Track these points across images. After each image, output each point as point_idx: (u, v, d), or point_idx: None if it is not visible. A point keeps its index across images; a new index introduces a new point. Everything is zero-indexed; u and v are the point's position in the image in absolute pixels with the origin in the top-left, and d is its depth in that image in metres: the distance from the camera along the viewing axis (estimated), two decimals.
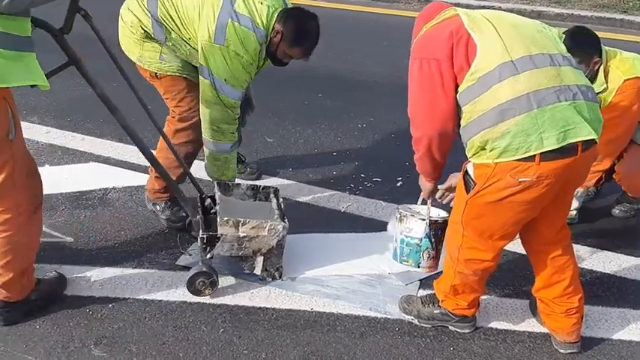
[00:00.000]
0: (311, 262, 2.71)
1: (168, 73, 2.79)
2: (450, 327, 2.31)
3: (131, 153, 3.65)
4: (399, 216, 2.34)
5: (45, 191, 3.18)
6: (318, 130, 4.09)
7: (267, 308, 2.44)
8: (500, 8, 7.23)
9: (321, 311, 2.43)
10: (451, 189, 2.38)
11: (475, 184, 1.96)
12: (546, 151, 1.83)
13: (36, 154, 3.63)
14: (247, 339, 2.28)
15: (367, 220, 3.07)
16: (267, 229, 2.43)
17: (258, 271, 2.56)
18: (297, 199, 3.23)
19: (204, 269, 2.42)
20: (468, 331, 2.31)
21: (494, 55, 1.89)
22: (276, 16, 2.59)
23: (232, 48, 2.52)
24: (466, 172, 2.02)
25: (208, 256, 2.45)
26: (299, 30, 2.60)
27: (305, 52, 2.68)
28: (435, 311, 2.31)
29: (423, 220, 2.28)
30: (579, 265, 2.75)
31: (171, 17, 2.64)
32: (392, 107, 4.43)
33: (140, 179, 3.28)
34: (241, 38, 2.53)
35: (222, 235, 2.42)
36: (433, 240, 2.29)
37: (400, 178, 3.47)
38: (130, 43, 2.81)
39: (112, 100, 2.36)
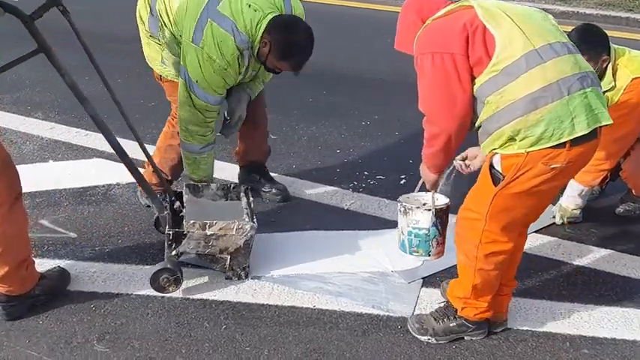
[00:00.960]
0: (314, 259, 2.71)
1: (169, 78, 2.80)
2: (466, 337, 2.26)
3: (134, 149, 3.65)
4: (403, 209, 2.33)
5: (48, 187, 3.22)
6: (322, 127, 4.09)
7: (269, 305, 2.44)
8: None
9: (323, 308, 2.43)
10: (466, 158, 2.41)
11: (503, 177, 1.96)
12: (576, 137, 1.87)
13: (40, 149, 3.65)
14: (250, 336, 2.28)
15: (370, 218, 3.06)
16: (234, 229, 2.42)
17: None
18: (300, 197, 3.23)
19: (168, 266, 2.40)
20: (481, 337, 2.26)
21: (517, 44, 1.90)
22: (265, 23, 2.45)
23: (206, 50, 2.44)
24: (492, 165, 2.01)
25: (173, 252, 2.43)
26: (286, 43, 2.46)
27: (293, 67, 2.55)
28: (451, 324, 2.25)
29: (428, 210, 2.27)
30: (583, 265, 2.75)
31: (165, 12, 2.61)
32: (397, 105, 4.42)
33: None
34: (217, 41, 2.43)
35: (188, 232, 2.40)
36: (440, 227, 2.30)
37: (404, 176, 3.46)
38: (142, 40, 2.81)
39: (82, 91, 2.40)
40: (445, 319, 2.26)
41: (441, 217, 2.29)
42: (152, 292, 2.47)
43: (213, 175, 2.91)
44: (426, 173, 2.29)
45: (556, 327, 2.37)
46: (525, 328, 2.36)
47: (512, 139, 1.92)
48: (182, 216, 2.52)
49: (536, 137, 1.88)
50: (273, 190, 3.15)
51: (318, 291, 2.52)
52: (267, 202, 3.15)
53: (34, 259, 2.45)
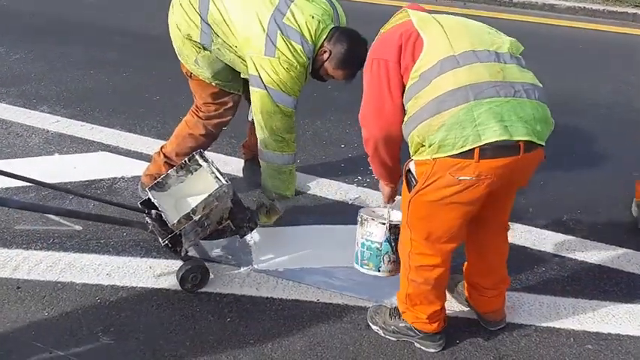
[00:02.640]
0: (318, 253, 2.71)
1: (201, 78, 2.79)
2: (416, 344, 2.23)
3: (140, 143, 3.67)
4: (360, 220, 2.31)
5: (54, 180, 3.23)
6: (326, 122, 4.08)
7: (273, 299, 2.45)
8: (511, 1, 7.17)
9: (327, 302, 2.44)
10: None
11: (416, 183, 1.92)
12: (486, 148, 1.76)
13: (45, 142, 3.65)
14: (254, 329, 2.29)
15: None
16: (215, 199, 2.39)
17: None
18: (305, 191, 3.23)
19: (188, 266, 2.43)
20: (433, 350, 2.20)
21: (439, 50, 1.86)
22: (326, 32, 2.53)
23: (283, 59, 2.48)
24: (409, 170, 1.97)
25: (183, 253, 2.43)
26: (348, 53, 2.52)
27: (349, 76, 2.62)
28: (400, 324, 2.23)
29: (383, 224, 2.24)
30: (587, 261, 2.75)
31: (221, 21, 2.59)
32: None
33: None
34: (292, 51, 2.48)
35: (180, 230, 2.37)
36: (394, 244, 2.24)
37: None
38: (175, 34, 2.76)
39: None
40: (397, 317, 2.25)
41: (396, 234, 2.22)
42: (157, 285, 2.49)
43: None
44: (381, 186, 2.30)
45: (560, 322, 2.37)
46: (529, 323, 2.36)
47: (421, 144, 1.87)
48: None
49: (438, 143, 1.79)
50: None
51: (322, 285, 2.53)
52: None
53: (40, 251, 2.47)
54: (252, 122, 3.15)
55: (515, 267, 2.63)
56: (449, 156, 1.80)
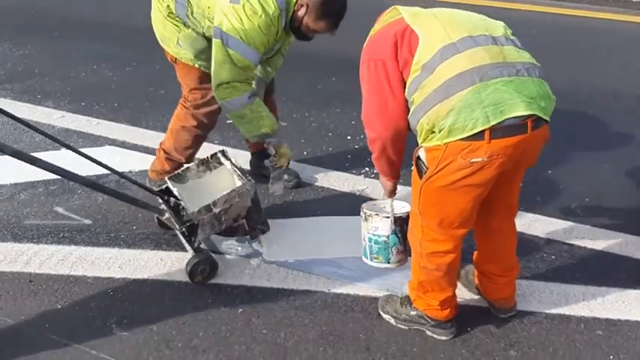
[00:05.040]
0: (327, 244, 2.72)
1: (183, 61, 2.79)
2: (427, 332, 2.24)
3: (146, 137, 3.68)
4: (364, 215, 2.32)
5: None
6: (332, 114, 4.09)
7: (284, 289, 2.46)
8: None
9: (338, 292, 2.45)
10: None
11: (427, 169, 1.92)
12: (496, 128, 1.78)
13: None
14: (266, 319, 2.30)
15: None
16: (236, 195, 2.44)
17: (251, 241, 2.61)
18: (312, 183, 3.23)
19: (198, 258, 2.43)
20: (445, 338, 2.21)
21: (436, 40, 1.87)
22: None
23: (248, 7, 2.44)
24: (418, 157, 1.97)
25: (196, 244, 2.45)
26: (325, 2, 2.49)
27: (331, 26, 2.57)
28: (412, 313, 2.23)
29: (387, 217, 2.25)
30: (596, 249, 2.76)
31: None
32: None
33: None
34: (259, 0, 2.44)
35: (198, 221, 2.41)
36: (400, 235, 2.26)
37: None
38: (157, 19, 2.78)
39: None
40: (408, 306, 2.26)
41: (401, 225, 2.25)
42: (168, 278, 2.50)
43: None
44: (382, 181, 2.30)
45: (570, 309, 2.38)
46: (539, 310, 2.37)
47: (431, 131, 1.88)
48: (183, 207, 2.51)
49: (448, 128, 1.81)
50: (285, 177, 3.15)
51: (333, 275, 2.54)
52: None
53: (51, 245, 2.48)
54: None
55: (525, 255, 2.64)
56: (459, 139, 1.81)
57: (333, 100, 4.29)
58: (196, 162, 2.73)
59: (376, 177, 3.32)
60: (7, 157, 3.35)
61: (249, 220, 2.53)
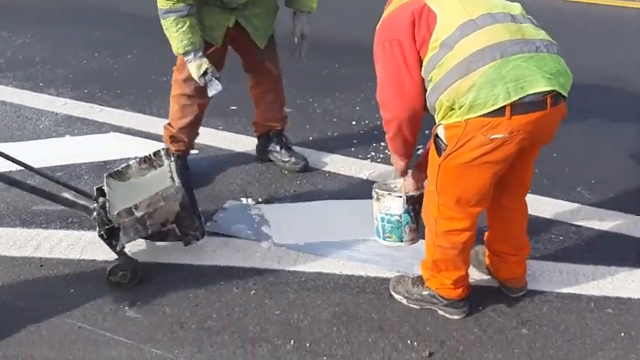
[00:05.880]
0: (337, 227, 2.73)
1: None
2: (439, 311, 2.25)
3: (151, 123, 3.66)
4: (376, 195, 2.33)
5: (68, 161, 3.24)
6: (336, 99, 4.08)
7: (296, 271, 2.47)
8: None
9: (349, 274, 2.46)
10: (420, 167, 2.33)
11: (446, 147, 1.93)
12: (517, 104, 1.79)
13: (55, 125, 3.65)
14: (278, 300, 2.31)
15: None
16: (161, 199, 2.31)
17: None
18: (319, 168, 3.23)
19: (119, 262, 2.34)
20: (457, 317, 2.22)
21: (455, 17, 1.88)
22: None
23: None
24: (436, 135, 1.98)
25: (118, 248, 2.34)
26: None
27: None
28: (424, 292, 2.24)
29: (399, 197, 2.26)
30: (603, 229, 2.77)
31: None
32: None
33: None
34: None
35: (119, 224, 2.30)
36: (412, 214, 2.28)
37: (420, 146, 3.45)
38: None
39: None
40: (420, 286, 2.27)
41: (413, 204, 2.26)
42: (180, 261, 2.50)
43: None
44: (395, 161, 2.29)
45: (580, 288, 2.40)
46: (550, 289, 2.39)
47: (451, 108, 1.87)
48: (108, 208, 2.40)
49: (469, 104, 1.81)
50: (293, 160, 3.16)
51: (344, 257, 2.55)
52: (285, 172, 3.16)
53: (60, 230, 2.47)
54: (257, 97, 3.15)
55: (533, 236, 2.64)
56: (480, 116, 1.82)
57: (337, 86, 4.28)
58: (138, 159, 2.64)
59: (383, 161, 3.33)
60: (9, 143, 3.39)
61: (179, 225, 2.38)
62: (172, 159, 2.57)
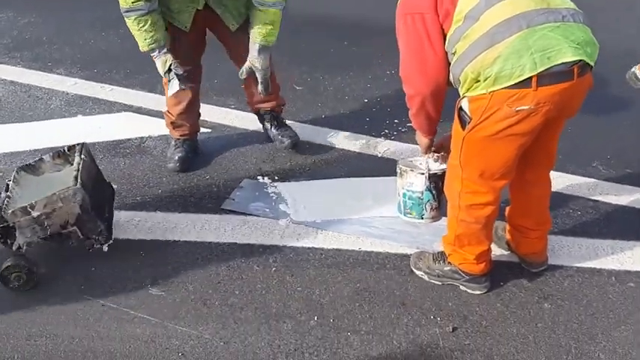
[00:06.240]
0: (353, 205, 2.72)
1: None
2: (461, 287, 2.25)
3: (162, 102, 3.61)
4: (399, 171, 2.33)
5: (81, 140, 3.21)
6: (347, 77, 4.04)
7: (315, 248, 2.47)
8: None
9: (369, 250, 2.46)
10: (442, 148, 2.33)
11: (471, 119, 1.91)
12: (543, 75, 1.76)
13: (67, 105, 3.63)
14: (299, 277, 2.32)
15: None
16: (58, 200, 2.18)
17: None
18: (333, 146, 3.22)
19: (15, 262, 2.23)
20: (479, 292, 2.23)
21: None
22: None
23: None
24: (460, 108, 1.96)
25: (15, 247, 2.23)
26: None
27: None
28: (445, 268, 2.25)
29: (423, 174, 2.26)
30: (621, 204, 2.77)
31: None
32: None
33: None
34: None
35: (14, 223, 2.19)
36: (434, 192, 2.28)
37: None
38: None
39: None
40: (441, 262, 2.27)
41: (436, 182, 2.26)
42: (199, 239, 2.50)
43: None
44: (418, 137, 2.28)
45: (600, 263, 2.40)
46: (570, 264, 2.39)
47: (476, 80, 1.86)
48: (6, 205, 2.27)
49: (495, 75, 1.78)
50: (279, 138, 3.11)
51: (362, 234, 2.55)
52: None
53: None
54: (245, 85, 3.07)
55: (551, 211, 2.61)
56: (506, 87, 1.80)
57: (347, 63, 4.23)
58: (52, 153, 2.51)
59: (397, 139, 3.31)
60: (22, 124, 3.37)
61: (81, 228, 2.25)
62: (83, 156, 2.39)
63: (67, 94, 3.74)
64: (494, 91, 1.81)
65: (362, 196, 2.79)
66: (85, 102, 3.65)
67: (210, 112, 3.38)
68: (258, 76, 2.72)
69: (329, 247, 2.48)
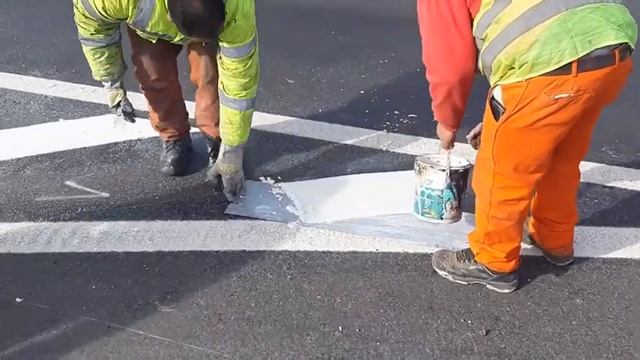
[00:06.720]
0: (363, 203, 2.59)
1: None
2: (488, 286, 2.15)
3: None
4: (418, 168, 2.21)
5: (66, 146, 3.02)
6: (339, 68, 3.90)
7: (330, 252, 2.34)
8: None
9: (386, 251, 2.34)
10: (477, 135, 2.22)
11: (505, 110, 1.79)
12: (583, 60, 1.65)
13: (47, 108, 3.40)
14: (318, 284, 2.18)
15: (411, 157, 2.94)
16: None
17: None
18: (335, 141, 3.08)
19: None
20: (507, 290, 2.13)
21: None
22: None
23: None
24: (493, 97, 1.84)
25: None
26: (170, 3, 2.07)
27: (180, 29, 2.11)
28: (471, 267, 2.14)
29: (443, 170, 2.14)
30: (637, 189, 2.70)
31: None
32: (412, 40, 4.18)
33: None
34: None
35: None
36: (455, 190, 2.16)
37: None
38: None
39: None
40: (466, 261, 2.16)
41: (457, 180, 2.14)
42: (205, 248, 2.34)
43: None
44: (440, 130, 2.15)
45: (626, 252, 2.33)
46: (596, 256, 2.31)
47: (510, 67, 1.74)
48: None
49: (532, 61, 1.67)
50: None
51: (377, 234, 2.42)
52: (301, 147, 2.99)
53: (70, 222, 2.28)
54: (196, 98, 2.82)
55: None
56: (543, 74, 1.67)
57: (338, 54, 4.09)
58: None
59: (400, 131, 3.19)
60: (3, 130, 3.15)
61: None
62: None
63: (46, 97, 3.52)
64: (530, 78, 1.69)
65: (372, 193, 2.66)
66: (67, 105, 3.43)
67: None
68: (224, 181, 2.55)
69: (345, 249, 2.35)
